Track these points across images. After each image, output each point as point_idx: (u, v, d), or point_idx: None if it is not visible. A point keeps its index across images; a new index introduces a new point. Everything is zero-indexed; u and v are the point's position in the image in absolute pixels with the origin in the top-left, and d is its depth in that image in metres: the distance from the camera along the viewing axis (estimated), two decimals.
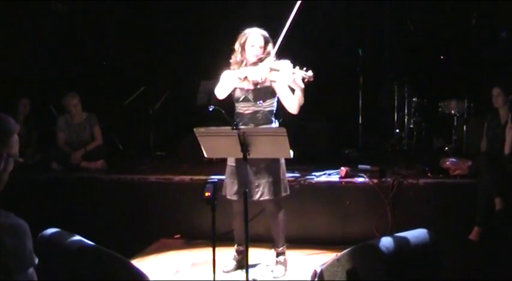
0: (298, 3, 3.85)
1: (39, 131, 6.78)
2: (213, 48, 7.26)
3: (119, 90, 7.94)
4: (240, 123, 3.87)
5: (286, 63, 3.79)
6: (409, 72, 7.61)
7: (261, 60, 3.90)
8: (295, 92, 3.84)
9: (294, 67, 3.76)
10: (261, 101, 3.91)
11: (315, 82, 3.77)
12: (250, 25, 4.05)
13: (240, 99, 3.94)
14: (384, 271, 3.05)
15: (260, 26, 4.06)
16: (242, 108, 3.95)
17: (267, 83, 3.89)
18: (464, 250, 4.54)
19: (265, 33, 3.97)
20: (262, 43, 3.92)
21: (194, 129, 3.78)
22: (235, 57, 3.99)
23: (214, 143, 3.49)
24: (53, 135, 6.44)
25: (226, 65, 4.06)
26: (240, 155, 3.39)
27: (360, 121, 7.44)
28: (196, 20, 7.94)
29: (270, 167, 3.89)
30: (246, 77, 3.84)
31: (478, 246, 4.54)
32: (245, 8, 7.33)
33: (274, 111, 4.01)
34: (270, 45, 3.94)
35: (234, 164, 3.98)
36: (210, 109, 3.98)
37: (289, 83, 3.81)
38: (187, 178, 5.42)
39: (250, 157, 3.46)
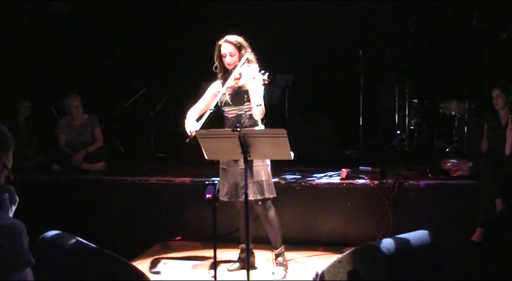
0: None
1: (40, 133, 6.77)
2: (215, 49, 7.29)
3: (120, 92, 7.96)
4: (226, 127, 3.93)
5: (248, 68, 3.84)
6: (409, 74, 7.62)
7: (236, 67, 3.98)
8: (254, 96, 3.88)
9: (259, 71, 3.83)
10: (241, 105, 3.97)
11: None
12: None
13: (223, 104, 4.01)
14: (385, 272, 3.06)
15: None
16: (227, 112, 4.03)
17: (244, 88, 3.95)
18: (466, 251, 4.53)
19: (235, 40, 3.99)
20: (232, 50, 3.97)
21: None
22: (218, 67, 4.08)
23: (215, 145, 3.50)
24: (54, 137, 6.42)
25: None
26: (241, 157, 3.40)
27: (361, 122, 7.44)
28: (198, 21, 7.95)
29: (253, 168, 3.92)
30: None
31: (480, 247, 4.53)
32: (248, 7, 7.32)
33: None
34: (245, 50, 3.98)
35: (224, 167, 4.05)
36: (211, 110, 4.00)
37: (252, 88, 3.85)
38: (188, 179, 5.42)
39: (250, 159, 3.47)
